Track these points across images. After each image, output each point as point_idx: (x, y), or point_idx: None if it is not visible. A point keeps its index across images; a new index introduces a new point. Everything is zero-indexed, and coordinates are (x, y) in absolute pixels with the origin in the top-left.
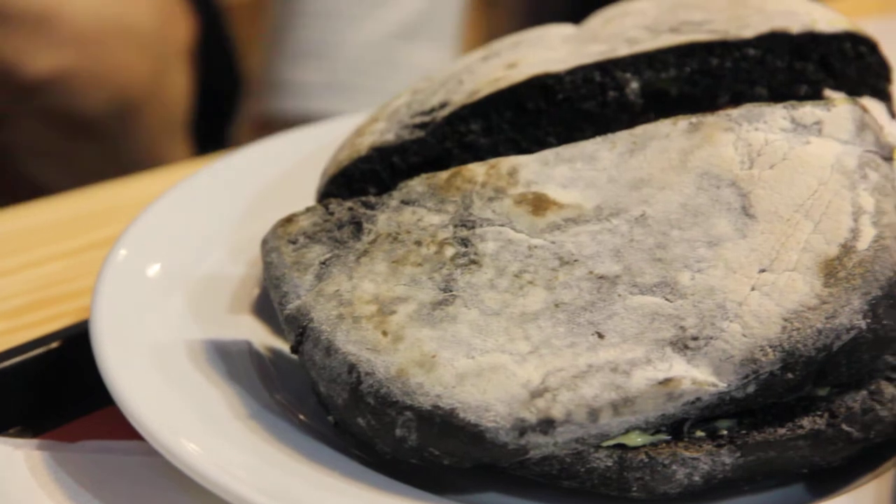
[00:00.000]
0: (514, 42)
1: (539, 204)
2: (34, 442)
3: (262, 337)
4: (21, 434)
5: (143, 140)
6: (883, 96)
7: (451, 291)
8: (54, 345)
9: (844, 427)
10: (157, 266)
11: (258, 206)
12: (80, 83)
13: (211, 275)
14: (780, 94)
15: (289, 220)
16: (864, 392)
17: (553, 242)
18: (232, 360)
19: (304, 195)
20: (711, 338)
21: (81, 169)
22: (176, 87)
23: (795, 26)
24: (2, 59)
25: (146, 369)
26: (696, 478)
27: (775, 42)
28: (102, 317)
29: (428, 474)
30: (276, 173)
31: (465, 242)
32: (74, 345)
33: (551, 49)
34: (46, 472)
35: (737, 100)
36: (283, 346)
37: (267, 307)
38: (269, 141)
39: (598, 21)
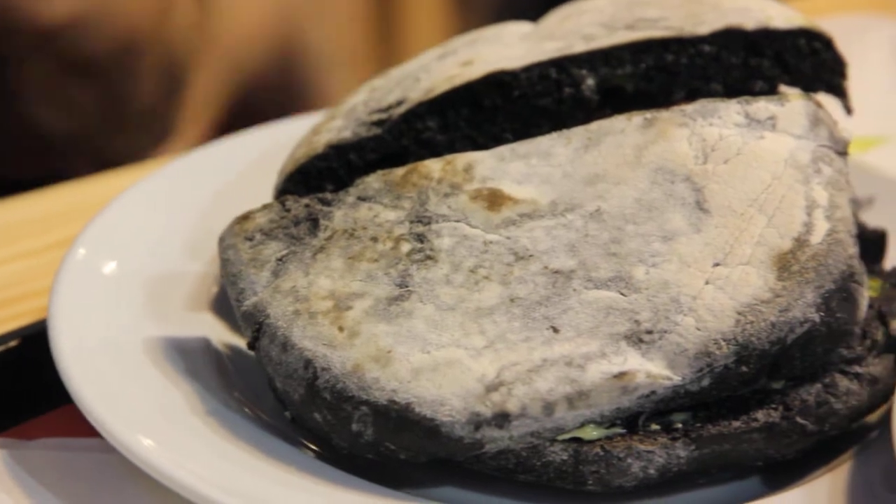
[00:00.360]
0: (471, 40)
1: (494, 199)
2: None
3: (220, 334)
4: None
5: (147, 84)
6: (838, 92)
7: (406, 287)
8: (12, 344)
9: (799, 420)
10: (116, 264)
11: (217, 204)
12: (91, 25)
13: (169, 272)
14: (735, 90)
15: (245, 217)
16: (819, 385)
17: (508, 238)
18: (190, 358)
19: (262, 193)
20: (666, 331)
21: (85, 113)
22: (180, 29)
23: (750, 23)
24: (19, 5)
25: (103, 367)
26: (652, 471)
27: (730, 39)
28: (60, 315)
29: (385, 469)
30: (235, 172)
31: (420, 238)
32: (33, 343)
33: (508, 46)
34: (5, 470)
35: (692, 96)
36: (241, 343)
37: (225, 304)
38: (227, 140)
39: (555, 19)
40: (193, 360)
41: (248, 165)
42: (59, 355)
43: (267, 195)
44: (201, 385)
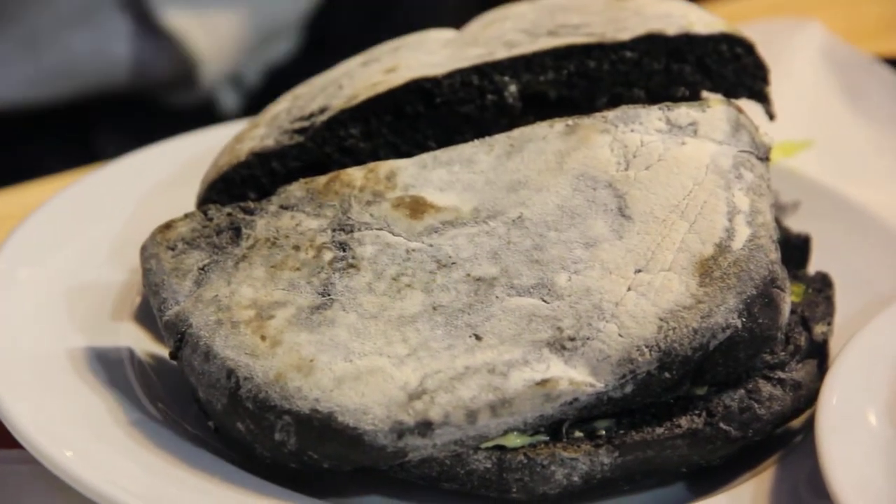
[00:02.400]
0: (395, 47)
1: (417, 207)
2: None
3: (143, 344)
4: None
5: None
6: (760, 97)
7: (329, 296)
8: None
9: (722, 426)
10: (38, 275)
11: (140, 214)
12: None
13: (92, 282)
14: (657, 95)
15: (168, 226)
16: (742, 391)
17: (431, 245)
18: (113, 368)
19: (185, 202)
20: (588, 338)
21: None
22: None
23: (672, 28)
24: None
25: (26, 378)
26: (576, 478)
27: (652, 44)
28: None
29: (309, 478)
30: (157, 180)
31: (343, 247)
32: None
33: (431, 53)
34: None
35: (615, 102)
36: (165, 353)
37: (148, 313)
38: (148, 149)
39: (478, 25)
40: (117, 370)
41: (170, 174)
42: None
43: (190, 204)
44: (125, 395)
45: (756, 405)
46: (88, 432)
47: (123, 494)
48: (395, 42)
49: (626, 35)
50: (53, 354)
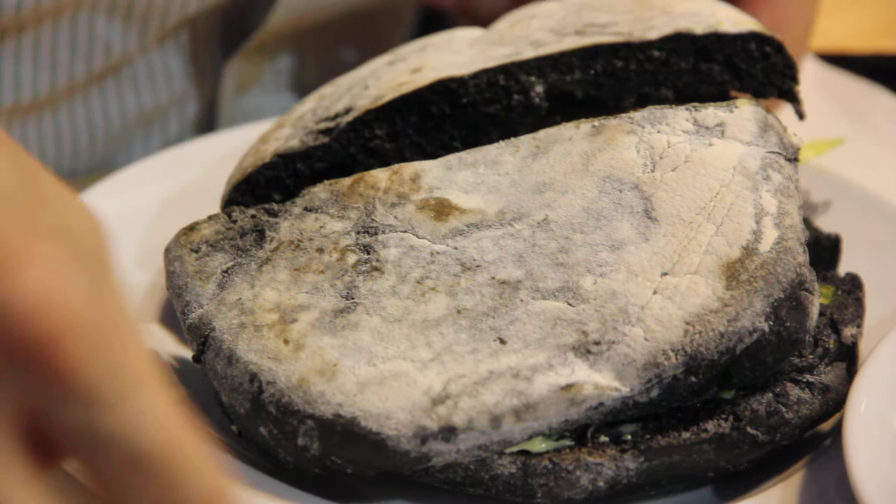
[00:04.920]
0: (421, 46)
1: (441, 209)
2: None
3: (168, 346)
4: None
5: None
6: (789, 96)
7: (352, 299)
8: None
9: (749, 430)
10: None
11: (165, 214)
12: None
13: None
14: (685, 95)
15: (191, 228)
16: (770, 394)
17: (455, 248)
18: None
19: (211, 202)
20: (614, 342)
21: None
22: None
23: (700, 27)
24: None
25: None
26: (601, 483)
27: (680, 43)
28: None
29: (332, 483)
30: (184, 181)
31: (367, 249)
32: None
33: (457, 52)
34: None
35: (642, 102)
36: (189, 356)
37: (173, 316)
38: (175, 148)
39: (505, 24)
40: None
41: (197, 174)
42: None
43: (215, 204)
44: None
45: (784, 409)
46: None
47: None
48: (421, 41)
49: (653, 34)
50: None
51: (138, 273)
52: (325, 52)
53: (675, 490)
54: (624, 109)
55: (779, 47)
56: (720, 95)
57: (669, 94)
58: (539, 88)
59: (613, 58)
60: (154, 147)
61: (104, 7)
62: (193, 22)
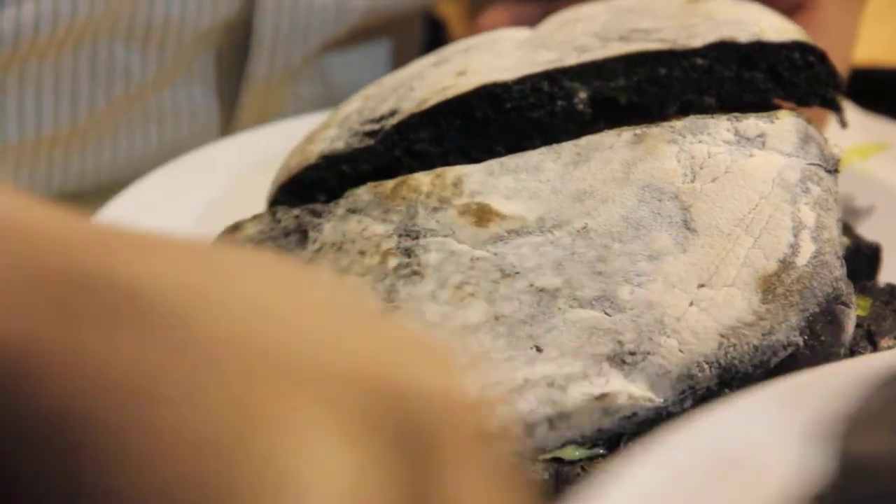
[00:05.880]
0: (466, 47)
1: (482, 215)
2: None
3: None
4: None
5: None
6: (832, 105)
7: (393, 303)
8: None
9: None
10: None
11: (212, 210)
12: None
13: None
14: (728, 103)
15: (236, 227)
16: None
17: (495, 254)
18: None
19: (258, 199)
20: (649, 353)
21: None
22: None
23: (743, 35)
24: None
25: None
26: None
27: (723, 51)
28: None
29: None
30: (234, 175)
31: (408, 253)
32: None
33: (501, 55)
34: None
35: (685, 109)
36: None
37: None
38: (224, 141)
39: (551, 26)
40: None
41: (241, 171)
42: None
43: (261, 203)
44: None
45: None
46: None
47: None
48: (466, 41)
49: (697, 42)
50: None
51: None
52: (349, 74)
53: None
54: (667, 116)
55: (822, 57)
56: (763, 104)
57: (713, 102)
58: (583, 94)
59: (657, 65)
60: None
61: (122, 32)
62: (217, 51)
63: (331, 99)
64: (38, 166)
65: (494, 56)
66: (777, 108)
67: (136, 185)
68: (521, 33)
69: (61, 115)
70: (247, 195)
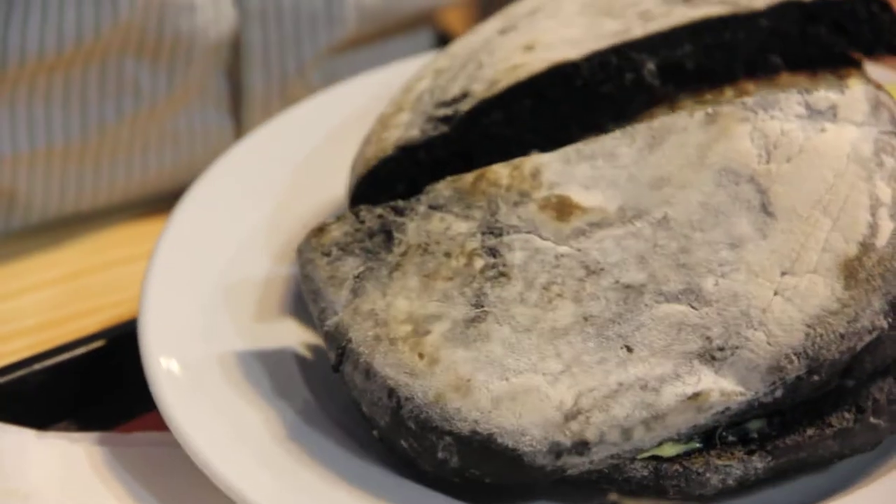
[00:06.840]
0: (531, 9)
1: (563, 209)
2: (92, 436)
3: (307, 339)
4: (68, 428)
5: None
6: None
7: (482, 307)
8: (100, 343)
9: (872, 420)
10: (199, 271)
11: (297, 183)
12: None
13: (249, 275)
14: (793, 60)
15: (321, 229)
16: (890, 378)
17: (579, 250)
18: (278, 370)
19: (342, 168)
20: (737, 347)
21: None
22: None
23: None
24: None
25: (191, 383)
26: (730, 482)
27: (787, 10)
28: (149, 332)
29: (473, 486)
30: (308, 148)
31: (493, 252)
32: (119, 344)
33: (567, 24)
34: (104, 465)
35: (751, 69)
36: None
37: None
38: (293, 111)
39: None
40: (281, 372)
41: (318, 140)
42: (152, 377)
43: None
44: (287, 401)
45: None
46: (253, 444)
47: None
48: (530, 2)
49: (760, 3)
50: (215, 356)
51: (268, 259)
52: None
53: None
54: (733, 78)
55: (885, 5)
56: (830, 58)
57: (778, 61)
58: (651, 66)
59: (723, 29)
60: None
61: (132, 47)
62: (228, 72)
63: None
64: (51, 180)
65: (560, 24)
66: (844, 59)
67: (218, 162)
68: None
69: (71, 126)
70: (331, 164)
